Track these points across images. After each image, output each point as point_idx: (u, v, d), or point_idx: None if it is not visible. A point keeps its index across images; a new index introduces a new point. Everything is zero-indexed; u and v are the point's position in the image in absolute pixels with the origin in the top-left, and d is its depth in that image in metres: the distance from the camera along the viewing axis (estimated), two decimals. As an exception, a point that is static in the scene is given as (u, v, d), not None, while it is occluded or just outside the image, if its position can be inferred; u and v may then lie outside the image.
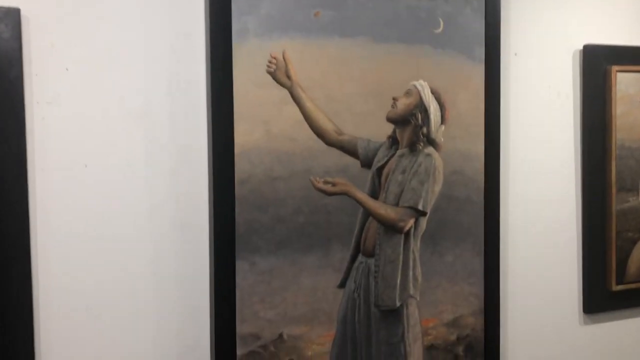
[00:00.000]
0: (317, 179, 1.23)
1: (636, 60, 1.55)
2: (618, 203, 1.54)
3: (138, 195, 1.12)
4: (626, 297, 1.56)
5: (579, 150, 1.53)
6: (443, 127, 1.34)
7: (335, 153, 1.24)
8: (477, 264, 1.38)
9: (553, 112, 1.51)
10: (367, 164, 1.28)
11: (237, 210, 1.17)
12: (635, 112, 1.55)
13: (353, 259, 1.27)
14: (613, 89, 1.52)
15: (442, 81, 1.33)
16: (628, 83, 1.53)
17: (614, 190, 1.53)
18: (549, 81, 1.50)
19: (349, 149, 1.26)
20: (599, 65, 1.52)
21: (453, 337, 1.36)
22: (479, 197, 1.38)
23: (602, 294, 1.54)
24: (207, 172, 1.17)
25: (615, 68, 1.51)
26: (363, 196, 1.27)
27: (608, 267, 1.54)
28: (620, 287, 1.55)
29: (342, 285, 1.26)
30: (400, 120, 1.30)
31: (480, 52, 1.37)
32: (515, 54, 1.46)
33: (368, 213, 1.27)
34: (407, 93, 1.30)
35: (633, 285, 1.56)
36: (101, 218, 1.10)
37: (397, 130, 1.30)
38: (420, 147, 1.32)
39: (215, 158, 1.15)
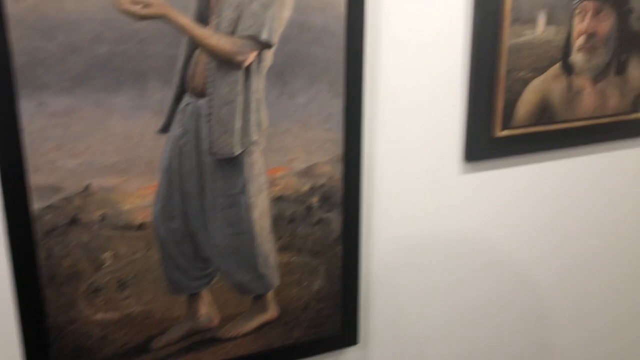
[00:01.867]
0: (122, -3, 0.98)
1: None
2: (511, 37, 1.34)
3: None
4: (511, 143, 1.43)
5: (472, -27, 1.30)
6: None
7: (146, -36, 0.98)
8: (336, 106, 1.20)
9: None
10: (190, -20, 1.02)
11: (12, 35, 0.92)
12: None
13: (177, 99, 1.07)
14: None
15: None
16: None
17: (507, 21, 1.32)
18: None
19: (163, -40, 1.00)
20: None
21: (306, 188, 1.22)
22: (339, 27, 1.15)
23: (486, 140, 1.40)
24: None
25: None
26: (186, 21, 1.03)
27: (494, 110, 1.38)
28: (505, 133, 1.40)
29: (165, 130, 1.07)
30: None
31: None
32: None
33: (195, 43, 1.05)
34: None
35: (520, 131, 1.42)
36: None
37: (230, -63, 1.03)
38: (262, -39, 1.06)
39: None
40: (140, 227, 1.10)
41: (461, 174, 1.42)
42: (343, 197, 1.26)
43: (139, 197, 1.08)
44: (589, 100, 1.48)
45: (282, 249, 1.23)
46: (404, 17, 1.25)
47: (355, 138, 1.24)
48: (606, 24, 1.43)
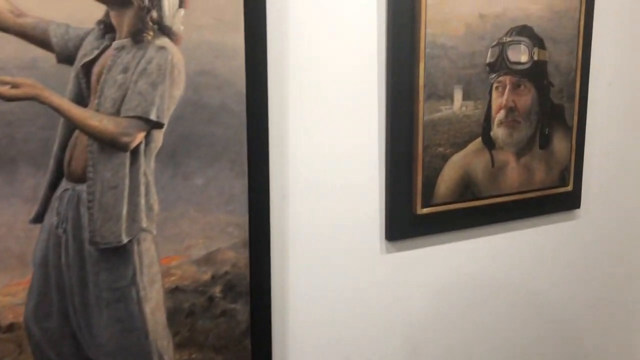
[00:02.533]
0: (-12, 77, 0.90)
1: None
2: (427, 113, 1.30)
3: None
4: (434, 221, 1.36)
5: (383, 48, 1.26)
6: (183, 11, 1.02)
7: (15, 42, 0.91)
8: (239, 187, 1.12)
9: (350, -1, 1.22)
10: (66, 58, 0.95)
11: None
12: (451, 1, 1.28)
13: (53, 185, 0.97)
14: (423, -30, 1.23)
15: (180, -52, 1.00)
16: (443, -36, 1.25)
17: (422, 97, 1.28)
18: (345, -41, 1.20)
19: (35, 37, 0.92)
20: (408, -60, 1.22)
21: (206, 276, 1.12)
22: (239, 104, 1.09)
23: (407, 219, 1.34)
24: None
25: (426, -57, 1.22)
26: (62, 102, 0.95)
27: (414, 187, 1.32)
28: (427, 210, 1.34)
29: (38, 219, 0.97)
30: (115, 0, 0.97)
31: None
32: None
33: (72, 125, 0.97)
34: (123, -39, 0.97)
35: (442, 208, 1.35)
36: None
37: (112, 13, 0.97)
38: (150, 38, 1.00)
39: None
40: (10, 328, 0.97)
41: (383, 254, 1.34)
42: (250, 285, 1.16)
43: (7, 295, 0.96)
44: (514, 174, 1.43)
45: (180, 345, 1.11)
46: (313, 94, 1.20)
47: (262, 220, 1.16)
48: (526, 98, 1.41)
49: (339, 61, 1.22)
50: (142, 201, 1.03)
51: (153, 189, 1.04)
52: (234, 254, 1.14)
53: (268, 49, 1.11)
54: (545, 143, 1.47)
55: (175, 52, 1.02)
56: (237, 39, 1.07)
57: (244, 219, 1.13)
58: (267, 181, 1.15)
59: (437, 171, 1.34)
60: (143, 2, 0.98)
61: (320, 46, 1.19)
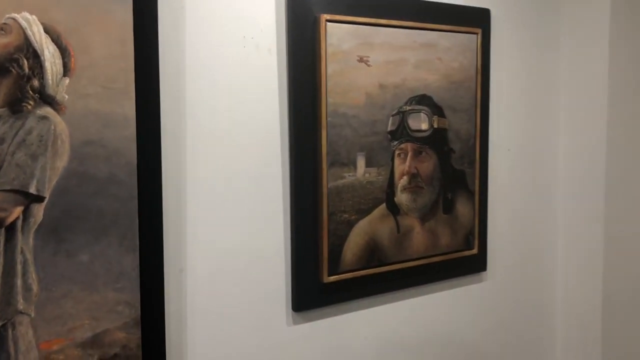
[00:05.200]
0: None
1: (351, 10, 1.29)
2: (331, 180, 1.30)
3: None
4: (341, 289, 1.33)
5: (285, 117, 1.26)
6: (67, 80, 0.98)
7: None
8: (129, 263, 1.05)
9: (250, 69, 1.21)
10: None
11: None
12: (351, 71, 1.30)
13: None
14: (323, 43, 1.25)
15: (65, 16, 0.96)
16: (342, 36, 1.28)
17: (325, 164, 1.28)
18: (245, 30, 1.20)
19: None
20: (307, 13, 1.25)
21: (92, 361, 1.03)
22: (130, 176, 1.05)
23: (314, 288, 1.30)
24: None
25: (325, 17, 1.25)
26: None
27: (320, 255, 1.30)
28: (333, 278, 1.31)
29: None
30: (-10, 68, 0.92)
31: (127, -19, 1.02)
32: (192, -9, 1.13)
33: (-62, 200, 0.89)
34: (2, 30, 0.92)
35: (349, 275, 1.33)
36: None
37: (-13, 82, 0.92)
38: (30, 107, 0.94)
39: None
40: None
41: (290, 325, 1.30)
42: (143, 367, 1.08)
43: None
44: (419, 239, 1.44)
45: None
46: (213, 165, 1.17)
47: (156, 297, 1.09)
48: (428, 164, 1.44)
49: (240, 131, 1.21)
50: (19, 282, 0.95)
51: (32, 268, 0.96)
52: (124, 335, 1.06)
53: (162, 118, 1.08)
54: (449, 208, 1.49)
55: (58, 122, 0.97)
56: (127, 108, 1.03)
57: (135, 296, 1.06)
58: (161, 255, 1.10)
59: (343, 238, 1.33)
60: (22, 70, 0.93)
61: (220, 117, 1.18)
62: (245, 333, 1.24)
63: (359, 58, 1.31)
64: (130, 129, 1.04)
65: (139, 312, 1.07)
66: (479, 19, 1.51)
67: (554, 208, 1.75)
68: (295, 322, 1.31)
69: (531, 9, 1.65)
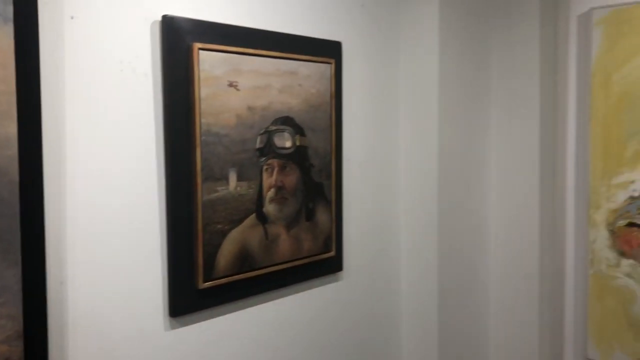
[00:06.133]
0: None
1: (222, 39, 1.44)
2: (205, 193, 1.42)
3: None
4: (216, 294, 1.46)
5: (161, 137, 1.36)
6: (-52, 101, 1.00)
7: None
8: (11, 277, 1.09)
9: (128, 92, 1.30)
10: None
11: None
12: (223, 95, 1.44)
13: None
14: (196, 68, 1.38)
15: (-55, 40, 0.99)
16: (213, 63, 1.42)
17: (199, 179, 1.40)
18: (122, 55, 1.29)
19: None
20: (180, 41, 1.36)
21: (-27, 376, 1.06)
22: (13, 194, 1.09)
23: (190, 294, 1.41)
24: None
25: (197, 45, 1.38)
26: None
27: (196, 263, 1.41)
28: (208, 284, 1.43)
29: None
30: None
31: (8, 9, 1.07)
32: (72, 17, 1.20)
33: None
34: None
35: (223, 281, 1.46)
36: None
37: None
38: None
39: None
40: None
41: (167, 330, 1.39)
42: (25, 379, 1.12)
43: None
44: (285, 245, 1.61)
45: None
46: (92, 182, 1.24)
47: (38, 310, 1.14)
48: (292, 177, 1.62)
49: (118, 150, 1.28)
50: None
51: None
52: (6, 348, 1.09)
53: (43, 137, 1.14)
54: (310, 216, 1.68)
55: (-62, 143, 0.99)
56: (10, 129, 1.08)
57: (17, 309, 1.10)
58: (44, 269, 1.14)
59: (217, 247, 1.45)
60: None
61: (99, 136, 1.25)
62: (125, 341, 1.31)
63: (229, 83, 1.45)
64: (13, 149, 1.08)
65: (22, 325, 1.11)
66: (333, 51, 1.73)
67: (397, 212, 2.02)
68: (172, 327, 1.40)
69: (375, 44, 1.91)
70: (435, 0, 1.90)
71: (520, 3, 2.06)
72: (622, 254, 1.89)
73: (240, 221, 1.50)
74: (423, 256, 2.00)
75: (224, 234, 1.47)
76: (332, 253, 1.76)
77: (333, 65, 1.72)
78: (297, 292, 1.69)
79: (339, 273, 1.82)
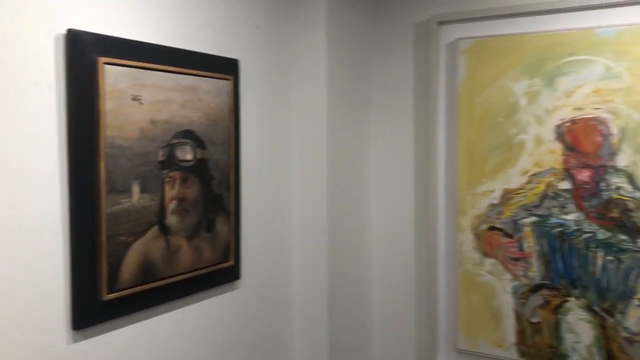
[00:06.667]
0: None
1: (127, 54, 1.46)
2: (109, 206, 1.43)
3: None
4: (120, 305, 1.47)
5: (65, 149, 1.36)
6: None
7: None
8: None
9: (31, 104, 1.29)
10: None
11: None
12: (126, 108, 1.47)
13: None
14: (101, 82, 1.39)
15: None
16: (118, 77, 1.44)
17: (103, 191, 1.41)
18: (25, 68, 1.27)
19: None
20: (86, 55, 1.37)
21: None
22: None
23: (94, 306, 1.41)
24: None
25: (102, 60, 1.39)
26: None
27: (99, 275, 1.42)
28: (112, 296, 1.44)
29: None
30: None
31: None
32: (-27, 27, 1.17)
33: None
34: None
35: (126, 292, 1.48)
36: None
37: None
38: None
39: None
40: None
41: (70, 344, 1.38)
42: None
43: None
44: (186, 256, 1.66)
45: None
46: (16, 202, 1.22)
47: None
48: (193, 189, 1.67)
49: (21, 160, 1.27)
50: None
51: None
52: None
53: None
54: (210, 227, 1.74)
55: None
56: None
57: None
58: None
59: (121, 258, 1.46)
60: None
61: (0, 150, 1.22)
62: (24, 356, 1.28)
63: (133, 97, 1.48)
64: None
65: None
66: (231, 68, 1.81)
67: (290, 221, 2.14)
68: (75, 340, 1.39)
69: (270, 62, 2.02)
70: (323, 25, 2.06)
71: (397, 29, 2.30)
72: (485, 254, 2.16)
73: (143, 233, 1.53)
74: (314, 263, 2.13)
75: (127, 246, 1.48)
76: (231, 262, 1.83)
77: (231, 82, 1.80)
78: (198, 300, 1.74)
79: (237, 282, 1.89)
